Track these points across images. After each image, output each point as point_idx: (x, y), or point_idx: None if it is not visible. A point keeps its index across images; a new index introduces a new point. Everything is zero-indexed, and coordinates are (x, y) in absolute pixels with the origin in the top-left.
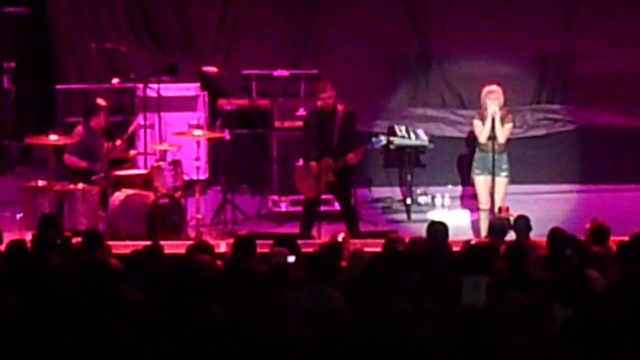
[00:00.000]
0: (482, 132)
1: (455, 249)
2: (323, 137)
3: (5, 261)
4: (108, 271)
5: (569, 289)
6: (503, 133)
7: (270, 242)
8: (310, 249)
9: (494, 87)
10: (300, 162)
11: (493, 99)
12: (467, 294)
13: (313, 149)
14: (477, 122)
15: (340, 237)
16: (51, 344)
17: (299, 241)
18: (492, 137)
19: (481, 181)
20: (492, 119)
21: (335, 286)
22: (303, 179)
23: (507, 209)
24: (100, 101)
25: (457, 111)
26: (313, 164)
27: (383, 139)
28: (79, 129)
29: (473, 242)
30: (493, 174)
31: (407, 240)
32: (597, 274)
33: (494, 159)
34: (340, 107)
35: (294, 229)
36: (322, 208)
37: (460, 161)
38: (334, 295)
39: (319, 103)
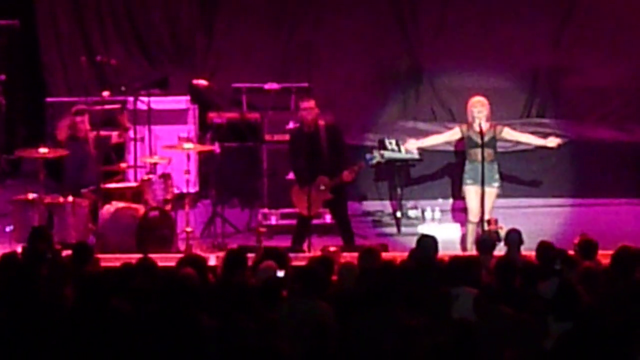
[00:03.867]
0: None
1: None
2: (313, 156)
3: None
4: (98, 283)
5: (562, 303)
6: (515, 136)
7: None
8: (300, 262)
9: (480, 98)
10: (292, 175)
11: (479, 107)
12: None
13: (305, 170)
14: (457, 129)
15: (331, 251)
16: (40, 356)
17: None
18: (482, 146)
19: (473, 191)
20: (481, 130)
21: (325, 299)
22: (299, 197)
23: (496, 222)
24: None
25: (448, 125)
26: (306, 189)
27: (377, 155)
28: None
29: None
30: (482, 184)
31: (391, 253)
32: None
33: (483, 169)
34: (321, 122)
35: (284, 242)
36: (313, 221)
37: (450, 174)
38: (324, 308)
39: (302, 114)
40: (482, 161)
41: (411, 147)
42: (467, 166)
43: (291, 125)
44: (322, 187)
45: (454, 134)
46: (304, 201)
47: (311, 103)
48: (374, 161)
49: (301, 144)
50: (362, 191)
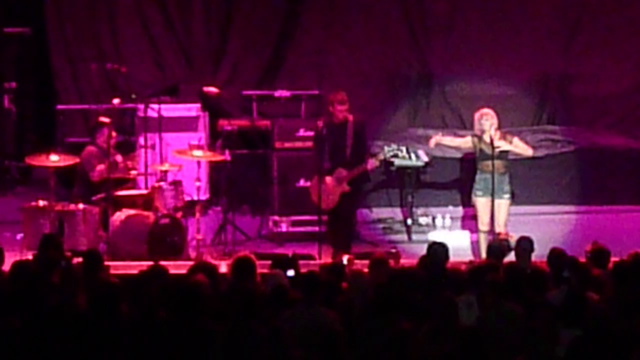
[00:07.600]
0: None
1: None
2: (336, 149)
3: (10, 281)
4: (109, 290)
5: (570, 310)
6: (519, 147)
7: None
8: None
9: (487, 110)
10: (302, 182)
11: (489, 120)
12: (461, 314)
13: (326, 162)
14: (469, 138)
15: (345, 259)
16: None
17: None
18: (492, 158)
19: (483, 203)
20: (491, 140)
21: (334, 307)
22: (317, 190)
23: (507, 233)
24: (104, 118)
25: (458, 132)
26: (328, 179)
27: (393, 148)
28: (91, 148)
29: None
30: (492, 196)
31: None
32: (596, 296)
33: (493, 180)
34: (350, 118)
35: (294, 249)
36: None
37: (460, 182)
38: (330, 315)
39: (336, 113)
40: (492, 173)
41: (433, 143)
42: (478, 176)
43: (302, 132)
44: (341, 179)
45: (466, 142)
46: (323, 196)
47: (345, 106)
48: (392, 153)
49: (328, 133)
50: (372, 198)
